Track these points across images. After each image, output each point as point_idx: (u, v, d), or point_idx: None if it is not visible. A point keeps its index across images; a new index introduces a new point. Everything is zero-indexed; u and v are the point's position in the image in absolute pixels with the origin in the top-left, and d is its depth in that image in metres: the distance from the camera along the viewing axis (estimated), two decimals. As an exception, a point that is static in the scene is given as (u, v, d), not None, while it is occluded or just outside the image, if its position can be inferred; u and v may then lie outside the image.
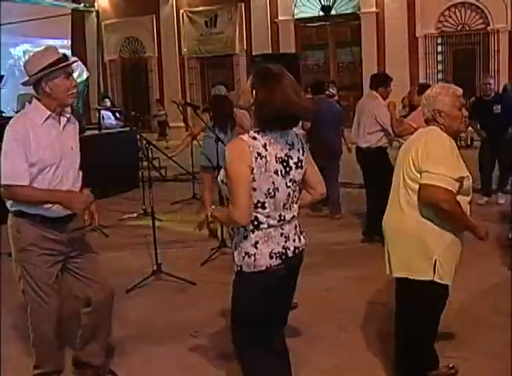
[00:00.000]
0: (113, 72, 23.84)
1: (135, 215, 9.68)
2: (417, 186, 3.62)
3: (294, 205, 3.34)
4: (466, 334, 4.82)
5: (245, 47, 20.83)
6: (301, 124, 10.09)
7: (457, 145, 3.84)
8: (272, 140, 3.17)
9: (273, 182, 3.16)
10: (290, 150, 3.24)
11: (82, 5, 15.74)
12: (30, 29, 16.32)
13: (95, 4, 21.01)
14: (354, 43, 19.75)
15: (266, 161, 3.11)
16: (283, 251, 3.27)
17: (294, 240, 3.34)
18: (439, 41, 18.73)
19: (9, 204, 3.85)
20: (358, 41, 19.44)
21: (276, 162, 3.16)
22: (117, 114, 14.26)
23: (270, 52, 19.39)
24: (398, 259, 3.84)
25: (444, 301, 3.92)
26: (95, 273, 4.11)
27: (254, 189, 3.13)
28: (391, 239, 3.89)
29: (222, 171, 3.23)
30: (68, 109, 3.92)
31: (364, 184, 8.14)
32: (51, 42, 12.57)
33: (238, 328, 3.54)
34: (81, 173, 4.10)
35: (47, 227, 3.84)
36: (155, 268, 6.57)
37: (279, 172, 3.17)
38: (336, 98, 11.95)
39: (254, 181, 3.11)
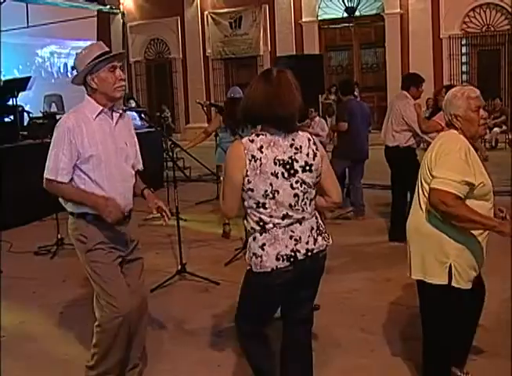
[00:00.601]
0: (138, 73, 23.97)
1: (159, 215, 9.70)
2: None
3: (307, 206, 3.35)
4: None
5: (269, 48, 20.86)
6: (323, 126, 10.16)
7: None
8: (271, 143, 3.23)
9: (271, 184, 3.22)
10: (295, 153, 3.28)
11: (108, 6, 15.90)
12: (56, 30, 16.49)
13: (121, 6, 21.17)
14: (378, 44, 19.71)
15: (261, 164, 3.19)
16: (292, 253, 3.29)
17: (308, 242, 3.35)
18: (463, 42, 18.62)
19: (69, 208, 3.89)
20: (382, 43, 19.39)
21: (275, 164, 3.22)
22: (143, 115, 14.32)
23: (294, 53, 19.39)
24: (415, 261, 3.84)
25: (466, 305, 3.84)
26: (133, 279, 4.09)
27: (252, 190, 3.23)
28: (411, 240, 3.89)
29: None
30: (120, 104, 3.93)
31: (391, 183, 8.10)
32: (77, 44, 12.67)
33: (238, 325, 3.65)
34: (139, 166, 4.15)
35: (109, 225, 3.82)
36: (179, 267, 6.62)
37: (279, 174, 3.22)
38: (358, 99, 11.85)
39: (250, 182, 3.21)
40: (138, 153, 4.14)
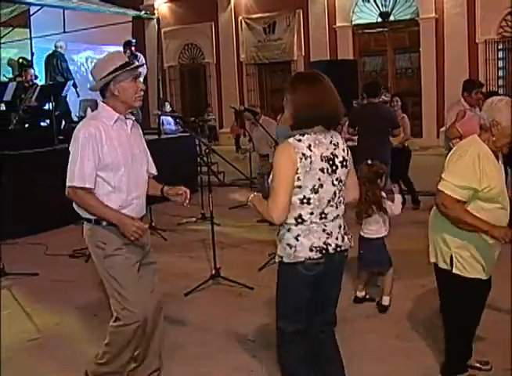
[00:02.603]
0: (172, 78, 24.12)
1: (193, 219, 9.79)
2: None
3: (341, 204, 3.53)
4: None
5: (303, 53, 20.81)
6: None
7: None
8: (316, 141, 3.37)
9: (319, 179, 3.36)
10: (335, 149, 3.45)
11: (143, 12, 15.99)
12: (92, 36, 16.68)
13: (155, 11, 21.33)
14: (412, 49, 19.54)
15: (311, 161, 3.32)
16: (324, 246, 3.43)
17: (337, 238, 3.50)
18: (500, 46, 18.37)
19: (85, 214, 3.90)
20: (417, 47, 19.22)
21: (322, 160, 3.37)
22: (177, 120, 14.44)
23: (328, 58, 19.36)
24: (431, 247, 4.19)
25: (471, 296, 4.08)
26: (148, 283, 4.14)
27: (300, 187, 3.34)
28: (429, 228, 4.23)
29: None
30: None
31: None
32: (112, 49, 12.79)
33: (279, 327, 3.65)
34: (153, 172, 4.25)
35: None
36: (213, 272, 6.63)
37: (325, 170, 3.38)
38: (386, 104, 11.68)
39: (299, 180, 3.32)
40: (150, 158, 4.24)
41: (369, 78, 19.61)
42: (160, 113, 13.43)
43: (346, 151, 3.52)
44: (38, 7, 15.03)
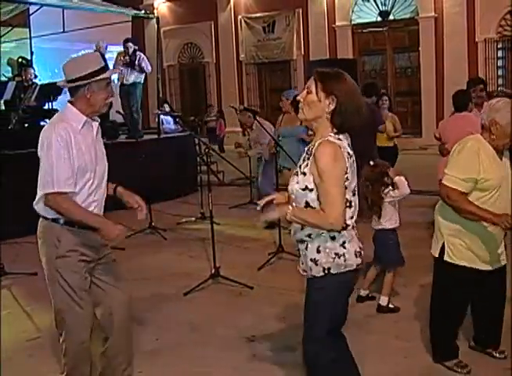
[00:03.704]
0: (171, 77, 24.13)
1: (193, 218, 9.80)
2: None
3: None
4: None
5: (302, 52, 20.80)
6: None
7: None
8: (348, 141, 3.26)
9: (357, 180, 3.28)
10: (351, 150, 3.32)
11: (143, 11, 15.98)
12: (91, 35, 16.66)
13: (155, 11, 21.32)
14: (412, 48, 19.53)
15: (353, 160, 3.21)
16: (360, 251, 3.35)
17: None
18: (499, 45, 18.36)
19: (42, 211, 3.78)
20: (417, 47, 19.21)
21: (353, 161, 3.26)
22: (177, 119, 14.45)
23: (327, 57, 19.37)
24: (434, 238, 4.49)
25: (459, 283, 4.33)
26: (114, 279, 4.01)
27: (346, 188, 3.17)
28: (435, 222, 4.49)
29: (304, 177, 3.22)
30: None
31: None
32: (112, 48, 12.81)
33: (322, 337, 3.40)
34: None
35: (84, 232, 3.76)
36: (213, 271, 6.63)
37: (355, 170, 3.28)
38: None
39: (347, 180, 3.17)
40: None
41: (368, 78, 19.61)
42: (159, 112, 13.45)
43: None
44: (38, 7, 15.02)
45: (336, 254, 3.25)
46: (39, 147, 3.69)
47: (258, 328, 5.34)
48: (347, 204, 3.19)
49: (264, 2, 21.30)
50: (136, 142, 10.40)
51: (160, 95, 15.54)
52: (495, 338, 4.57)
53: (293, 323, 5.29)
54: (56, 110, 11.13)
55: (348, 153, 3.17)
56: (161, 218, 9.57)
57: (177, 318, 5.70)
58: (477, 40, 18.23)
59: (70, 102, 3.81)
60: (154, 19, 16.08)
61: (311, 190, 3.19)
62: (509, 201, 4.08)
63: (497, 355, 4.57)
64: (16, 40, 16.33)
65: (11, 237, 8.32)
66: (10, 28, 15.98)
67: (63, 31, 16.16)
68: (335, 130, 3.21)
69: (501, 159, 4.16)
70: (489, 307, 4.55)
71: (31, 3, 13.92)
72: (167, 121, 14.87)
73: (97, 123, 3.91)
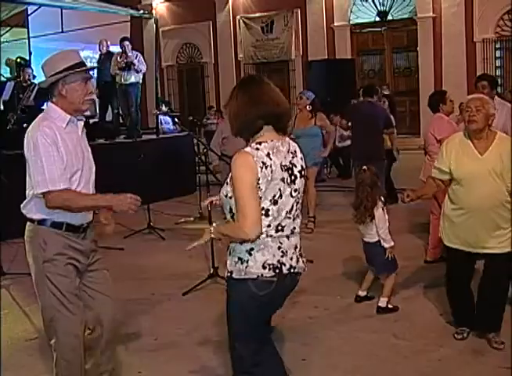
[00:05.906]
0: (170, 78, 24.11)
1: (191, 218, 9.79)
2: None
3: (298, 217, 3.28)
4: None
5: (301, 53, 20.81)
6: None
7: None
8: (274, 149, 3.14)
9: (279, 189, 3.12)
10: (293, 158, 3.23)
11: (141, 12, 15.99)
12: (90, 35, 16.68)
13: (153, 11, 21.31)
14: (410, 48, 19.55)
15: (272, 170, 3.08)
16: (278, 265, 3.18)
17: (291, 259, 3.24)
18: (497, 45, 18.38)
19: (29, 213, 3.75)
20: (415, 47, 19.23)
21: (282, 170, 3.13)
22: (176, 119, 14.44)
23: (326, 57, 19.39)
24: None
25: (449, 262, 4.99)
26: (102, 286, 3.94)
27: (260, 198, 3.08)
28: None
29: (226, 186, 3.20)
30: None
31: None
32: (112, 48, 12.80)
33: (233, 345, 3.55)
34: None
35: (72, 235, 3.72)
36: (211, 271, 6.64)
37: (285, 180, 3.15)
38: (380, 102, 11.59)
39: (260, 190, 3.06)
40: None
41: (366, 78, 19.64)
42: (158, 112, 13.44)
43: (303, 160, 3.30)
44: (36, 7, 15.02)
45: (239, 258, 3.23)
46: (25, 148, 3.62)
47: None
48: (263, 212, 3.10)
49: (262, 2, 21.29)
50: (135, 142, 10.41)
51: (159, 96, 15.55)
52: (495, 324, 4.74)
53: (292, 321, 5.30)
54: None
55: (264, 163, 3.06)
56: (160, 218, 9.56)
57: (176, 318, 5.71)
58: (475, 40, 18.26)
59: (52, 102, 3.76)
60: (153, 20, 16.12)
61: (230, 198, 3.16)
62: (482, 199, 4.45)
63: (495, 345, 4.67)
64: (14, 40, 16.31)
65: (11, 237, 8.30)
66: (9, 28, 15.98)
67: (62, 31, 16.17)
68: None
69: (483, 154, 4.54)
70: (490, 292, 4.72)
71: (30, 3, 13.91)
72: (166, 121, 14.86)
73: (82, 122, 3.86)
